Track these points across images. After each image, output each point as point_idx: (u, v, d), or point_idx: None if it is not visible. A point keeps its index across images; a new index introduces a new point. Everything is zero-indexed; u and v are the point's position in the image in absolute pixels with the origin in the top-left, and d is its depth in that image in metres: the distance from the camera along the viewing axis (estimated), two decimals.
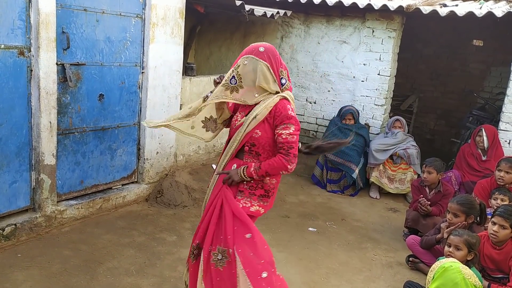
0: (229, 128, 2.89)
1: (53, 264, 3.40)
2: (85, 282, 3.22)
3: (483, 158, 5.35)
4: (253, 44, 2.71)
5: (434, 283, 2.58)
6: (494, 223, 3.29)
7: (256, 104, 2.65)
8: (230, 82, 2.63)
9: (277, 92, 2.66)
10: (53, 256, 3.51)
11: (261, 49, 2.63)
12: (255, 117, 2.62)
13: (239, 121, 2.72)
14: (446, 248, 3.16)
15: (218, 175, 2.83)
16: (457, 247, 3.09)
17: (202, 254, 2.66)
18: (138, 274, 3.40)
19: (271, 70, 2.62)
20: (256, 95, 2.64)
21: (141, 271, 3.45)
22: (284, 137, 2.59)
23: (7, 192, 3.57)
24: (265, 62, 2.60)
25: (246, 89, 2.62)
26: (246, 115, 2.69)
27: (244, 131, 2.65)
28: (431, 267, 2.63)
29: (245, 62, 2.61)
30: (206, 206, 2.79)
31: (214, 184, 2.85)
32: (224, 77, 2.68)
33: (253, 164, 2.66)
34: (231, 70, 2.64)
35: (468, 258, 3.07)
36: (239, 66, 2.61)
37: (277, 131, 2.61)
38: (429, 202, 4.43)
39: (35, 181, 3.75)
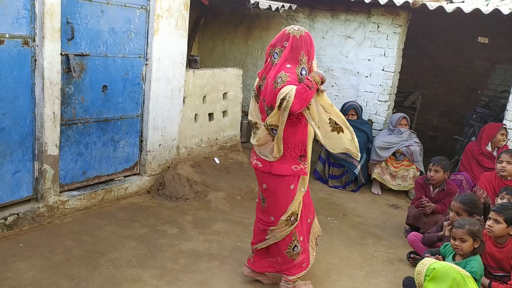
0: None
1: (55, 254, 3.41)
2: (87, 273, 3.24)
3: (495, 155, 5.20)
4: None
5: (430, 284, 2.58)
6: (490, 218, 3.35)
7: None
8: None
9: None
10: (55, 246, 3.52)
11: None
12: None
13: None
14: (451, 241, 3.20)
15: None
16: (462, 239, 3.13)
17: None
18: (139, 266, 3.42)
19: None
20: None
21: (142, 263, 3.46)
22: None
23: (10, 182, 3.58)
24: None
25: None
26: None
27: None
28: (416, 271, 2.63)
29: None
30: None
31: None
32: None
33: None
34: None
35: (475, 246, 3.13)
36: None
37: None
38: (432, 207, 4.41)
39: (38, 171, 3.75)
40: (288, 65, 2.81)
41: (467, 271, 3.03)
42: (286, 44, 2.85)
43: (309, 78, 2.74)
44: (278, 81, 2.76)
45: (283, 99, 2.68)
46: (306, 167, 3.02)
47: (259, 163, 3.02)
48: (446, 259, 3.26)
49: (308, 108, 2.83)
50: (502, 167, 4.36)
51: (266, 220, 3.15)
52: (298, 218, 3.12)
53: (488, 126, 5.48)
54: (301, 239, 3.18)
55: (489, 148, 5.35)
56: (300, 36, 2.84)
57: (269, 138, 2.93)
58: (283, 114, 2.72)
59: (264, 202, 3.13)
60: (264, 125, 2.92)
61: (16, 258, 3.29)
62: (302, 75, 2.83)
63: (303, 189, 3.09)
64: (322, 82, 2.85)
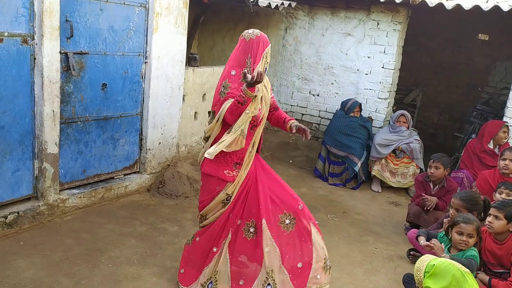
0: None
1: (55, 252, 3.42)
2: (87, 271, 3.24)
3: (498, 152, 5.19)
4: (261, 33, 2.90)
5: (429, 280, 2.57)
6: (490, 215, 3.36)
7: None
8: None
9: None
10: (56, 245, 3.53)
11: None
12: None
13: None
14: (457, 236, 3.21)
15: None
16: (470, 235, 3.17)
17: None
18: (139, 264, 3.42)
19: None
20: None
21: (142, 261, 3.47)
22: None
23: (10, 180, 3.58)
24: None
25: None
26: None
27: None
28: (416, 267, 2.63)
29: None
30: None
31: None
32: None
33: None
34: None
35: (477, 241, 3.21)
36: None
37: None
38: (434, 200, 4.42)
39: (38, 170, 3.76)
40: (233, 72, 2.86)
41: (467, 257, 3.08)
42: (238, 45, 2.92)
43: (242, 93, 2.71)
44: (222, 90, 2.86)
45: (219, 115, 2.82)
46: (237, 175, 2.94)
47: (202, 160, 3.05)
48: None
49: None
50: (505, 164, 4.33)
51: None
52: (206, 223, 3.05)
53: (490, 124, 5.45)
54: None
55: (491, 145, 5.32)
56: (250, 39, 2.84)
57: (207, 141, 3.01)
58: (216, 125, 2.86)
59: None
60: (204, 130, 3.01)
61: (17, 256, 3.29)
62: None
63: (223, 194, 2.94)
64: (256, 83, 2.67)
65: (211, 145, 2.87)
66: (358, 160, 5.70)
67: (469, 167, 5.41)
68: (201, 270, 3.03)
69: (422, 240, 3.43)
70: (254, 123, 2.89)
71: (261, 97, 2.88)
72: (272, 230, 2.90)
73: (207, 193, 3.01)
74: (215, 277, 2.93)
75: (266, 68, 2.90)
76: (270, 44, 2.89)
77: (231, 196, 2.96)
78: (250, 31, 2.89)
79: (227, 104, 2.78)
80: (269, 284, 2.86)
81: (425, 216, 4.41)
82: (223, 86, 2.86)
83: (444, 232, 3.51)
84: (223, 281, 2.91)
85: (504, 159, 4.36)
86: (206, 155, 2.80)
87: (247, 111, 2.76)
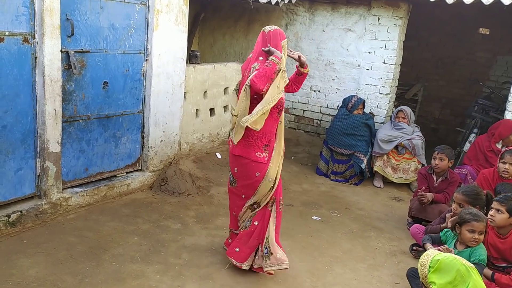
0: None
1: (59, 251, 3.43)
2: (91, 269, 3.25)
3: None
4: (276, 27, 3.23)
5: (434, 275, 2.58)
6: (492, 208, 3.37)
7: None
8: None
9: None
10: (59, 243, 3.53)
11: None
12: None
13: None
14: (469, 234, 3.21)
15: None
16: (481, 232, 3.21)
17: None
18: (143, 261, 3.43)
19: None
20: None
21: (145, 258, 3.47)
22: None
23: (12, 179, 3.59)
24: None
25: None
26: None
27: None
28: (420, 262, 2.64)
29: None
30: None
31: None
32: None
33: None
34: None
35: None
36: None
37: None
38: (430, 196, 4.41)
39: (41, 169, 3.76)
40: (261, 58, 3.17)
41: (475, 259, 3.09)
42: (258, 39, 3.27)
43: (268, 60, 3.07)
44: (252, 72, 3.11)
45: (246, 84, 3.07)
46: (268, 157, 3.24)
47: (230, 144, 3.33)
48: (447, 245, 3.29)
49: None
50: (505, 169, 4.14)
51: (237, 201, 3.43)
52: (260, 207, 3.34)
53: (503, 125, 5.24)
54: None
55: (499, 146, 5.22)
56: (269, 32, 3.19)
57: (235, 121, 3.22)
58: (246, 95, 3.08)
59: (235, 183, 3.39)
60: (231, 112, 3.20)
61: (20, 255, 3.30)
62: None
63: (270, 180, 3.24)
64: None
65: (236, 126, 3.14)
66: (364, 157, 5.68)
67: (474, 163, 5.35)
68: (253, 248, 3.36)
69: (430, 247, 3.40)
70: (280, 108, 3.18)
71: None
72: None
73: (246, 178, 3.27)
74: (267, 241, 3.34)
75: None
76: (286, 39, 3.21)
77: (275, 181, 3.27)
78: (269, 26, 3.26)
79: (252, 74, 3.03)
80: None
81: (428, 208, 4.40)
82: (253, 68, 3.13)
83: (446, 230, 3.51)
84: (272, 243, 3.33)
85: (504, 163, 4.16)
86: (241, 123, 3.05)
87: (277, 84, 3.04)
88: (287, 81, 3.21)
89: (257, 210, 3.33)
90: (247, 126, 3.03)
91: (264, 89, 3.00)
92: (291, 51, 3.32)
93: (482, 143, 5.38)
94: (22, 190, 3.69)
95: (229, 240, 3.60)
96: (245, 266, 3.36)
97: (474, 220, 3.19)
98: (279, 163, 3.31)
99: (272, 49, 3.08)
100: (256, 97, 3.08)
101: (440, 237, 3.51)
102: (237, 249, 3.38)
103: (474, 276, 2.45)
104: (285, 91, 3.39)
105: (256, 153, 3.20)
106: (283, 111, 3.27)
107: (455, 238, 3.36)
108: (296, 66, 3.41)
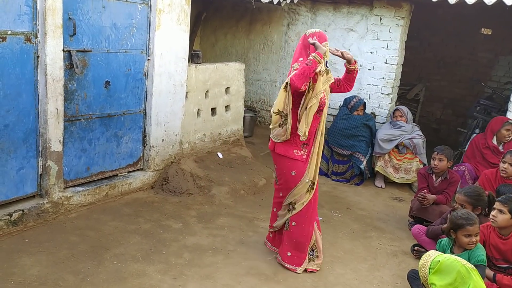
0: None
1: (61, 250, 3.43)
2: (92, 268, 3.26)
3: (501, 149, 5.15)
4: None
5: (434, 277, 2.58)
6: (494, 209, 3.36)
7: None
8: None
9: None
10: (61, 242, 3.54)
11: None
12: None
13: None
14: (465, 239, 3.17)
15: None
16: (476, 234, 3.20)
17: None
18: (144, 261, 3.43)
19: None
20: None
21: (147, 258, 3.48)
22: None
23: (14, 178, 3.60)
24: None
25: None
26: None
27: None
28: (421, 264, 2.64)
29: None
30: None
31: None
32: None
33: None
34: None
35: None
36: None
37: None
38: (432, 198, 4.40)
39: (42, 168, 3.77)
40: (301, 58, 3.23)
41: (475, 261, 3.07)
42: (299, 42, 3.36)
43: (309, 57, 3.11)
44: (292, 71, 3.19)
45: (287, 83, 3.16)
46: (306, 155, 3.32)
47: (270, 142, 3.46)
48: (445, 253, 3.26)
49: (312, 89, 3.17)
50: (504, 168, 4.27)
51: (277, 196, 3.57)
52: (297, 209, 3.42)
53: (494, 120, 5.40)
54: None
55: (494, 142, 5.27)
56: (310, 34, 3.26)
57: (277, 119, 3.30)
58: (288, 93, 3.17)
59: (277, 180, 3.52)
60: (272, 111, 3.32)
61: (22, 254, 3.31)
62: None
63: (307, 181, 3.31)
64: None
65: (279, 124, 3.30)
66: (364, 158, 5.68)
67: (471, 161, 5.40)
68: (306, 250, 3.50)
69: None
70: (320, 107, 3.23)
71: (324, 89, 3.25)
72: None
73: (282, 176, 3.40)
74: (314, 245, 3.56)
75: (326, 61, 3.20)
76: (327, 41, 3.25)
77: (314, 183, 3.36)
78: (311, 29, 3.35)
79: (293, 73, 3.10)
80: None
81: (429, 209, 4.40)
82: (293, 68, 3.21)
83: (439, 240, 3.47)
84: (318, 244, 3.58)
85: (504, 162, 4.28)
86: (300, 134, 3.19)
87: (321, 76, 3.13)
88: (332, 79, 3.32)
89: (294, 212, 3.41)
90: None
91: (302, 88, 3.05)
92: (336, 49, 3.36)
93: (478, 141, 5.45)
94: (24, 189, 3.69)
95: (270, 235, 3.75)
96: (299, 270, 3.48)
97: (468, 225, 3.16)
98: (317, 165, 3.38)
99: (317, 43, 3.12)
100: (297, 94, 3.17)
101: (436, 248, 3.47)
102: (289, 253, 3.49)
103: (474, 277, 2.45)
104: (338, 91, 3.51)
105: (294, 151, 3.29)
106: (323, 111, 3.31)
107: (451, 244, 3.33)
108: (344, 64, 3.43)
